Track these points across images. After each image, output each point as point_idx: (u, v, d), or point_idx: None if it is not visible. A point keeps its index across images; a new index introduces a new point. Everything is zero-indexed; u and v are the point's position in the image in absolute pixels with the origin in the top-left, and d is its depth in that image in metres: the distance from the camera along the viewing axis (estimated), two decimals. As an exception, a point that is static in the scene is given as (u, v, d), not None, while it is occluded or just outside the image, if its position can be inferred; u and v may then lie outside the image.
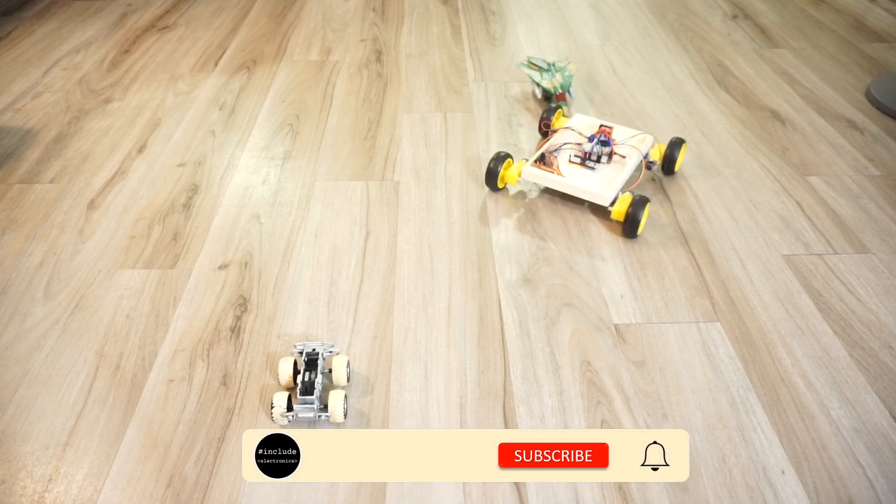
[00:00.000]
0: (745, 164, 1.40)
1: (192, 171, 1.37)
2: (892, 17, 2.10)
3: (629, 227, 1.15)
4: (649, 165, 1.30)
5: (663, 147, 1.32)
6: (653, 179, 1.34)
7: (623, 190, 1.22)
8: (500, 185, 1.29)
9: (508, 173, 1.27)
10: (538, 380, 0.93)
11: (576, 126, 1.35)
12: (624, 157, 1.27)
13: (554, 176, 1.23)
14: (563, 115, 1.44)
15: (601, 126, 1.33)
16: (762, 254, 1.16)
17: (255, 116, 1.57)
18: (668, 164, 1.32)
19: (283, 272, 1.11)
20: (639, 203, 1.15)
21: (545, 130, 1.41)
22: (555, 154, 1.28)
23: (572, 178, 1.22)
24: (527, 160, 1.28)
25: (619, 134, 1.33)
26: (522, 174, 1.25)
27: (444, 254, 1.15)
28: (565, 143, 1.30)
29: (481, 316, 1.04)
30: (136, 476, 0.82)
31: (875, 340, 1.00)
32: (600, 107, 1.61)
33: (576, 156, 1.27)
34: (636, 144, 1.30)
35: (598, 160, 1.26)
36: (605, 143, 1.28)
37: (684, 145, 1.33)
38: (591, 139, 1.29)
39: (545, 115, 1.42)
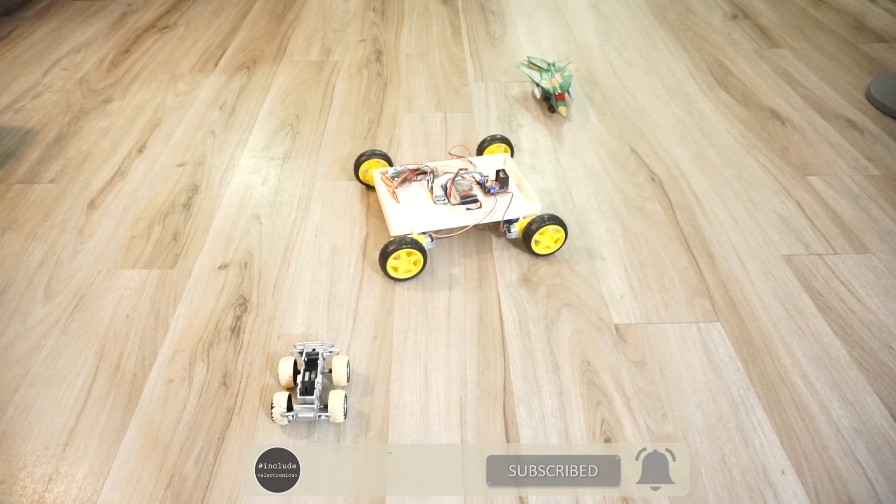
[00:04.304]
0: (745, 164, 1.40)
1: (192, 171, 1.37)
2: (892, 17, 2.10)
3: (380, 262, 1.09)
4: (508, 228, 1.16)
5: (560, 233, 1.13)
6: (652, 179, 1.34)
7: (435, 236, 1.15)
8: (361, 179, 1.30)
9: (367, 173, 1.28)
10: (538, 380, 0.93)
11: (484, 164, 1.25)
12: (478, 206, 1.14)
13: (382, 191, 1.19)
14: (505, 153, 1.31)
15: (499, 172, 1.16)
16: (762, 254, 1.16)
17: (255, 116, 1.57)
18: (525, 240, 1.13)
19: (283, 272, 1.11)
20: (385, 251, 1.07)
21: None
22: (426, 178, 1.20)
23: (389, 202, 1.16)
24: (389, 169, 1.23)
25: (514, 192, 1.16)
26: (373, 176, 1.24)
27: (444, 253, 1.15)
28: (460, 172, 1.19)
29: (481, 316, 1.03)
30: (136, 476, 0.82)
31: (875, 340, 1.00)
32: (600, 107, 1.61)
33: (440, 186, 1.17)
34: (503, 206, 1.14)
35: (448, 197, 1.16)
36: (485, 188, 1.16)
37: (549, 229, 1.11)
38: (484, 178, 1.18)
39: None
